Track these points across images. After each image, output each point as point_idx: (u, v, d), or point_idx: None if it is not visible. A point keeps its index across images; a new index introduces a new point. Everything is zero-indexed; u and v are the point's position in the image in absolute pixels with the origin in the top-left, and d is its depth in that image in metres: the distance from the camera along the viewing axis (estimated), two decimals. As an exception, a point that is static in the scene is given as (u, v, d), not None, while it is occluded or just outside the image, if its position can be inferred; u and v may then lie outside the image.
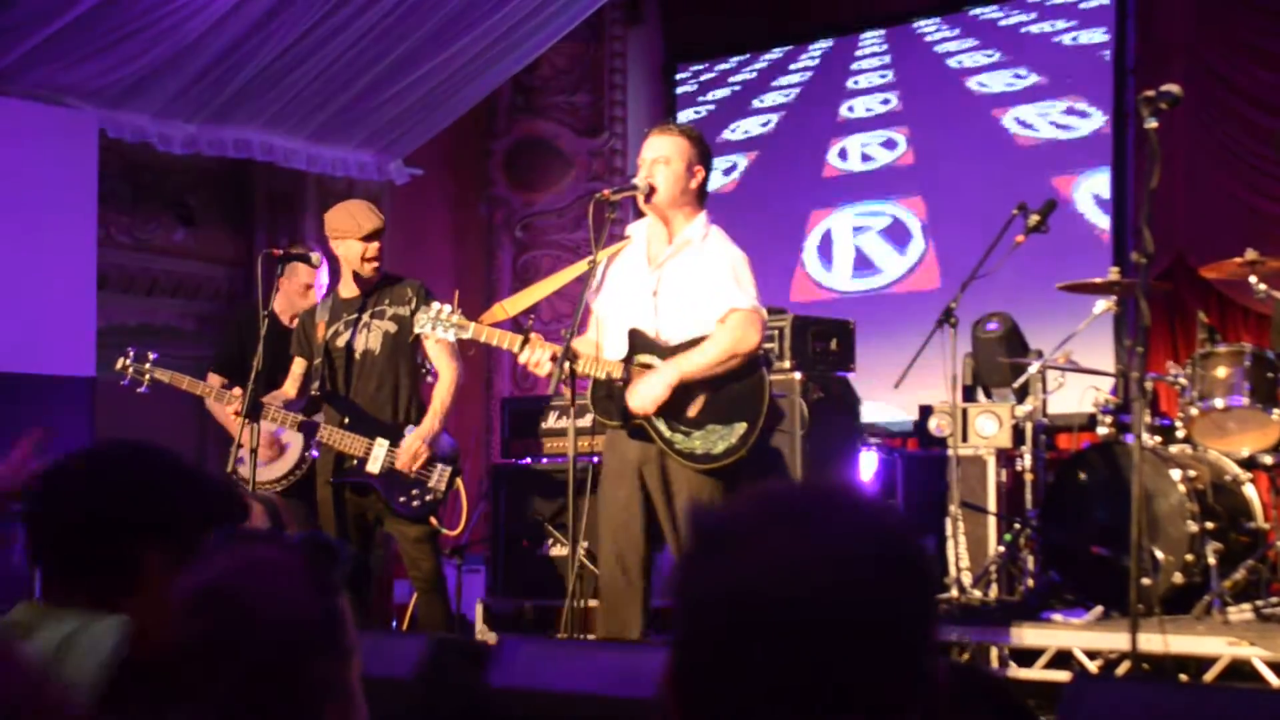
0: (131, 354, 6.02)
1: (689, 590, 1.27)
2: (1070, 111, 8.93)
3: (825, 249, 9.79)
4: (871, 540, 1.24)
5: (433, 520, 5.72)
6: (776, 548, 1.22)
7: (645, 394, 4.89)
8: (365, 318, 5.81)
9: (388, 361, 5.80)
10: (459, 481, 5.76)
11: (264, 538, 1.78)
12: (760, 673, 1.20)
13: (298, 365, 5.95)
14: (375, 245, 5.79)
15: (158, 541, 2.11)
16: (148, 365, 5.99)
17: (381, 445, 5.68)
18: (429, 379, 5.87)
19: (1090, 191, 8.78)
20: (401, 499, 5.68)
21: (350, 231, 5.79)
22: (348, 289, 5.89)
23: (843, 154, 9.87)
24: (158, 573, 2.10)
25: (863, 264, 9.65)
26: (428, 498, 5.68)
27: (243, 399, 5.68)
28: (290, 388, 5.92)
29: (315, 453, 5.98)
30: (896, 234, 9.55)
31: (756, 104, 10.35)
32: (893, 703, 1.22)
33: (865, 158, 9.76)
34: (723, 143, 10.23)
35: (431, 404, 5.76)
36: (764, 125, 10.28)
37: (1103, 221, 8.67)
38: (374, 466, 5.67)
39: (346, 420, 5.73)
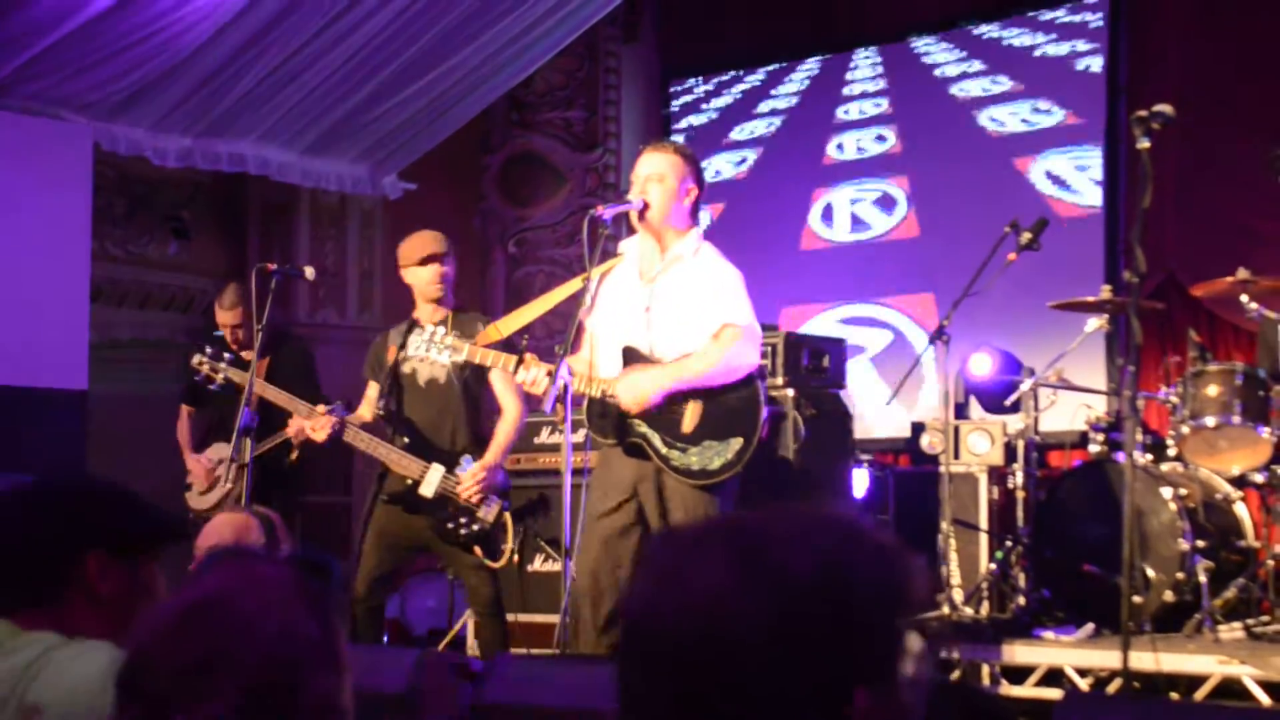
0: (209, 350, 6.13)
1: (632, 613, 1.29)
2: (1037, 111, 9.01)
3: (827, 214, 9.89)
4: (815, 567, 1.25)
5: (477, 550, 5.76)
6: (715, 578, 1.24)
7: (634, 390, 4.90)
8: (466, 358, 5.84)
9: (451, 391, 5.90)
10: (507, 515, 5.81)
11: (256, 555, 1.79)
12: (690, 695, 1.23)
13: (372, 389, 6.06)
14: (434, 268, 5.88)
15: (97, 561, 2.13)
16: (222, 365, 6.11)
17: (437, 470, 5.76)
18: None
19: (1044, 169, 8.91)
20: (450, 525, 5.76)
21: (406, 258, 5.93)
22: (421, 316, 5.92)
23: (827, 216, 9.94)
24: (99, 582, 2.12)
25: (858, 224, 9.76)
26: (475, 527, 5.76)
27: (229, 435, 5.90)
28: (366, 411, 6.02)
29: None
30: (885, 202, 9.67)
31: (743, 134, 10.38)
32: None
33: (857, 223, 9.83)
34: (729, 142, 10.32)
35: (494, 439, 5.84)
36: (739, 164, 10.33)
37: (1066, 197, 8.77)
38: (428, 490, 5.75)
39: (406, 441, 5.80)
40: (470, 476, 5.73)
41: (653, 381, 4.90)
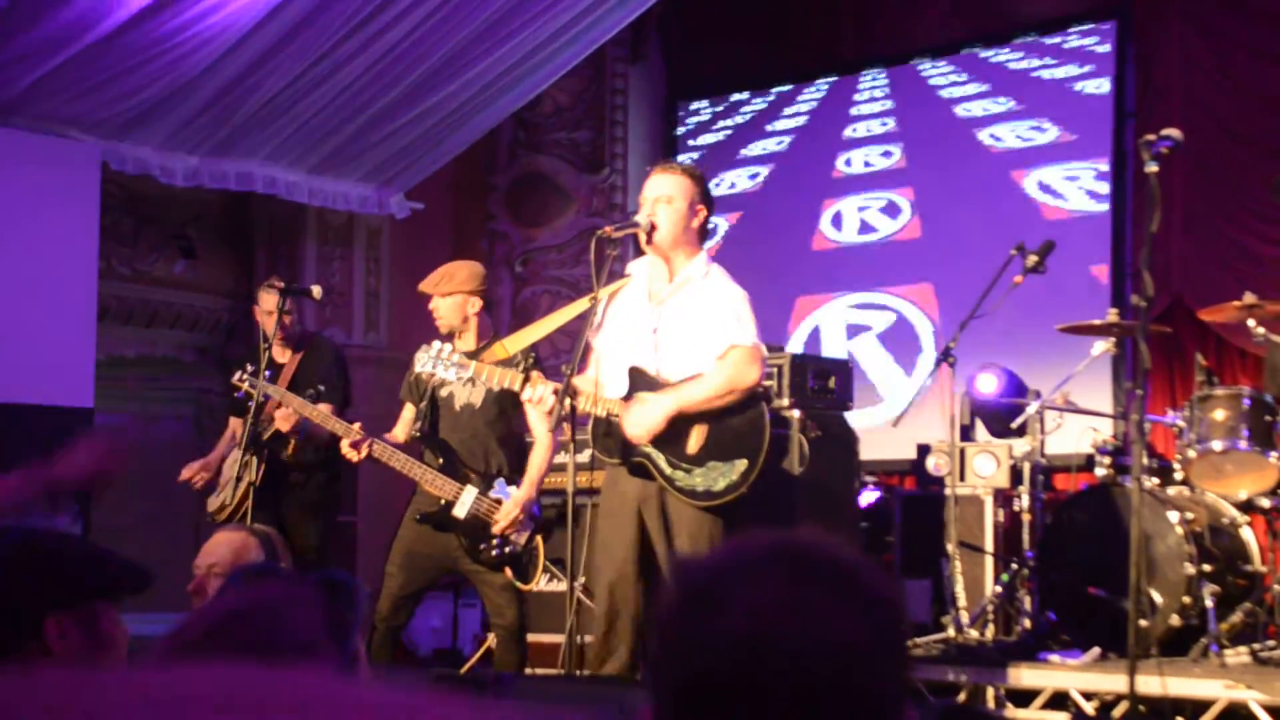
0: (249, 368, 6.11)
1: (673, 641, 1.30)
2: (1083, 164, 8.89)
3: (836, 220, 9.74)
4: (851, 594, 1.28)
5: (508, 572, 5.77)
6: (761, 601, 1.25)
7: (641, 421, 4.91)
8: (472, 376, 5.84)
9: (485, 417, 5.91)
10: (538, 539, 5.80)
11: (279, 575, 1.78)
12: None
13: (407, 411, 6.08)
14: (445, 302, 5.97)
15: (57, 623, 2.11)
16: (261, 382, 6.06)
17: (471, 492, 5.78)
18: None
19: (1037, 180, 8.90)
20: (482, 546, 5.79)
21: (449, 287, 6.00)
22: (462, 343, 5.91)
23: (837, 221, 9.77)
24: (58, 644, 2.10)
25: (865, 228, 9.62)
26: (506, 549, 5.77)
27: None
28: (399, 432, 6.04)
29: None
30: (890, 209, 9.53)
31: (753, 150, 10.35)
32: None
33: (864, 227, 9.65)
34: (742, 158, 10.29)
35: (528, 470, 5.85)
36: (752, 179, 10.24)
37: (1051, 201, 8.78)
38: (461, 511, 5.77)
39: (441, 462, 5.83)
40: (505, 514, 5.73)
41: (657, 411, 4.90)
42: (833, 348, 9.32)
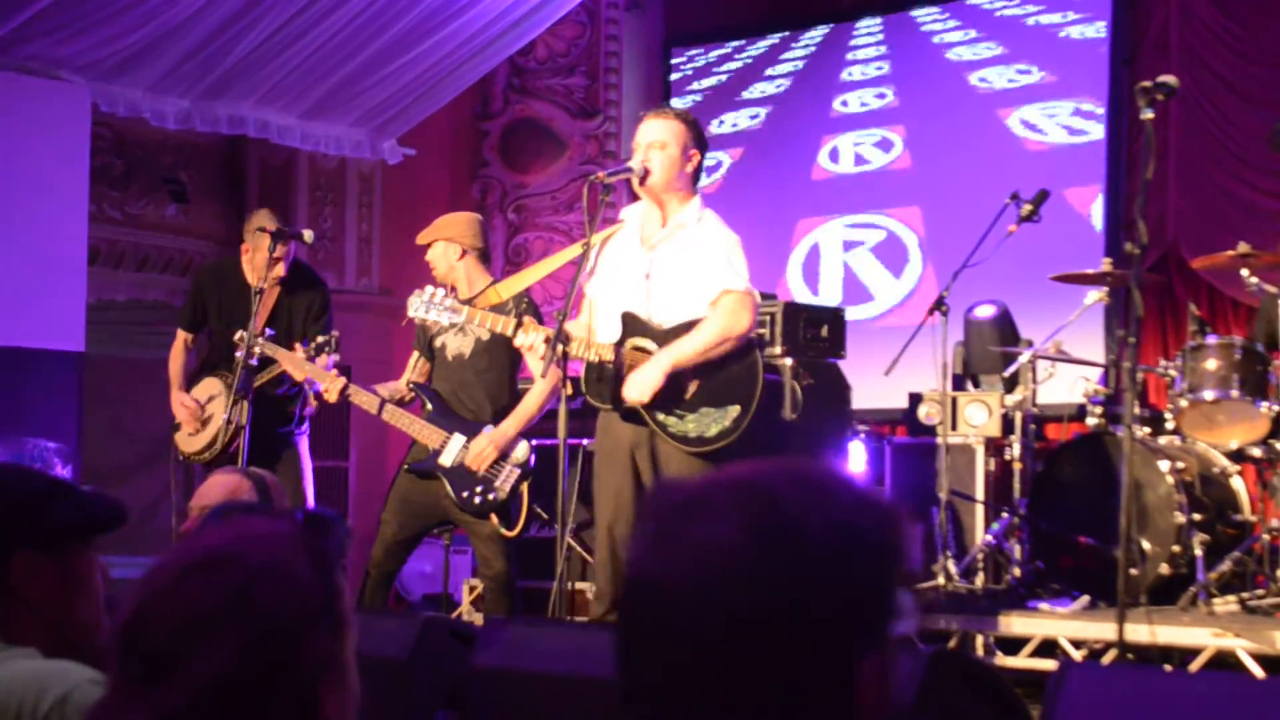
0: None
1: (628, 574, 1.27)
2: (1078, 113, 8.88)
3: (812, 266, 9.68)
4: (826, 527, 1.23)
5: (493, 518, 5.76)
6: (727, 538, 1.21)
7: (641, 385, 4.89)
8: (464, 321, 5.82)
9: (475, 366, 5.89)
10: (524, 486, 5.78)
11: (259, 511, 1.77)
12: (697, 654, 1.20)
13: (413, 359, 6.08)
14: (432, 251, 5.95)
15: (24, 562, 2.07)
16: (259, 339, 6.00)
17: (457, 440, 5.77)
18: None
19: (1019, 118, 8.96)
20: (465, 494, 5.77)
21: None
22: (462, 291, 5.88)
23: (834, 155, 9.81)
24: (28, 583, 2.08)
25: (853, 287, 9.50)
26: (490, 496, 5.75)
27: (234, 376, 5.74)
28: (404, 380, 6.02)
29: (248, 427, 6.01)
30: (891, 251, 9.44)
31: (749, 94, 10.32)
32: (821, 693, 1.21)
33: (859, 159, 9.71)
34: (711, 137, 10.19)
35: (516, 409, 5.81)
36: (753, 119, 10.24)
37: (1032, 136, 8.87)
38: (446, 459, 5.76)
39: (430, 410, 5.85)
40: (477, 449, 5.71)
41: (655, 371, 4.87)
42: (830, 260, 9.67)
